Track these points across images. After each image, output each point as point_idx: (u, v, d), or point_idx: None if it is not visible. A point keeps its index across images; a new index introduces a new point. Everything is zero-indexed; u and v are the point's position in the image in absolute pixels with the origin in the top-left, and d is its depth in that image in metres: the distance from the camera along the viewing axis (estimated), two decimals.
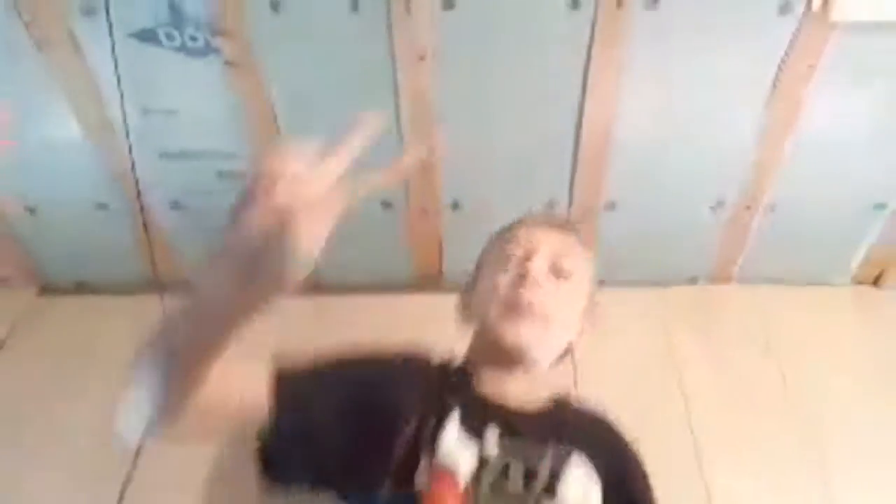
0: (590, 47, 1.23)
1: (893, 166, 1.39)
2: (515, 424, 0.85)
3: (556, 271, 0.93)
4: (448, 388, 0.89)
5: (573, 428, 0.90)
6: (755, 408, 1.36)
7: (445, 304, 1.59)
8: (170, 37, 1.24)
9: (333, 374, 0.88)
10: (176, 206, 1.53)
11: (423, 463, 0.78)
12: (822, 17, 1.16)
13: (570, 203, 1.48)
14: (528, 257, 0.92)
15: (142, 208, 1.46)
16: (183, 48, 1.25)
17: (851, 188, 1.44)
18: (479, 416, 0.84)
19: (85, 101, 1.35)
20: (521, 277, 0.90)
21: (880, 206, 1.46)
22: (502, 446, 0.82)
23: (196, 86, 1.32)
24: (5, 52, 1.28)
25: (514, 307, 0.88)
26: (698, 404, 1.37)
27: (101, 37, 1.22)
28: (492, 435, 0.82)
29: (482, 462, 0.80)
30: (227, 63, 1.27)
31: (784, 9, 1.17)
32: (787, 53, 1.22)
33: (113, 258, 1.64)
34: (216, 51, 1.26)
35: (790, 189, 1.44)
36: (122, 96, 1.30)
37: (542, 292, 0.89)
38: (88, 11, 1.22)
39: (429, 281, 1.66)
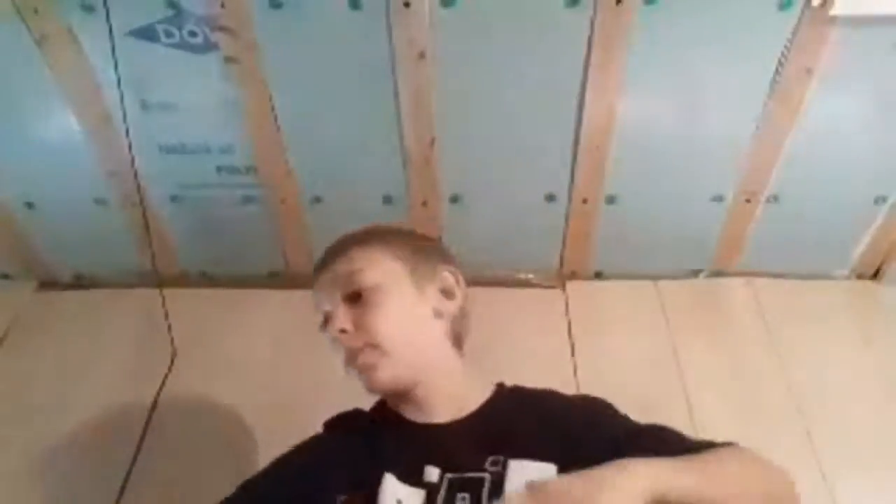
0: (589, 42, 1.22)
1: (893, 159, 1.39)
2: (451, 449, 0.83)
3: (351, 301, 0.88)
4: (380, 433, 0.89)
5: (510, 420, 0.87)
6: (756, 401, 1.37)
7: None
8: (169, 34, 1.24)
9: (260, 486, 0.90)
10: (175, 200, 1.53)
11: None
12: (821, 11, 1.16)
13: (571, 197, 1.48)
14: (325, 322, 0.90)
15: (141, 203, 1.46)
16: (182, 45, 1.25)
17: (852, 181, 1.44)
18: (414, 459, 0.82)
19: (84, 95, 1.34)
20: (334, 340, 0.88)
21: (881, 200, 1.46)
22: (445, 483, 0.80)
23: (195, 81, 1.31)
24: (5, 47, 1.28)
25: (347, 363, 0.88)
26: (699, 397, 1.37)
27: (101, 33, 1.22)
28: (433, 475, 0.81)
29: None
30: (227, 59, 1.27)
31: (784, 4, 1.16)
32: (787, 48, 1.22)
33: (112, 252, 1.64)
34: (216, 47, 1.25)
35: (790, 182, 1.44)
36: (121, 91, 1.29)
37: (349, 337, 0.86)
38: (88, 8, 1.21)
39: None
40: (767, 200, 1.47)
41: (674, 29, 1.21)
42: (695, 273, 1.64)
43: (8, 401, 1.44)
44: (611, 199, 1.49)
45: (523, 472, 0.77)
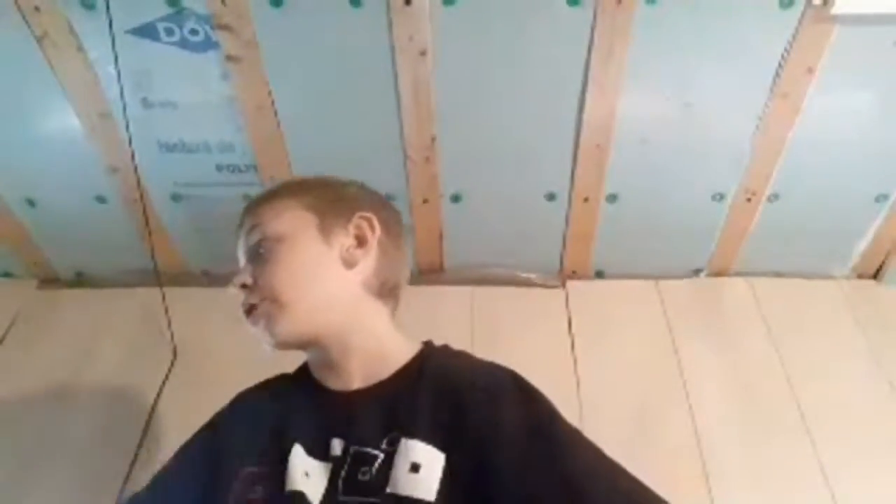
0: (590, 41, 1.22)
1: (894, 158, 1.39)
2: (356, 421, 0.81)
3: (254, 256, 0.87)
4: (293, 400, 0.88)
5: (415, 395, 0.82)
6: (756, 400, 1.37)
7: (445, 296, 1.60)
8: (169, 31, 1.24)
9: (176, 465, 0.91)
10: (176, 198, 1.53)
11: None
12: (823, 10, 1.16)
13: (571, 196, 1.48)
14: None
15: (142, 201, 1.46)
16: (183, 43, 1.25)
17: (852, 180, 1.43)
18: (321, 430, 0.82)
19: (85, 93, 1.34)
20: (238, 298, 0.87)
21: (882, 198, 1.46)
22: (349, 457, 0.79)
23: (196, 79, 1.31)
24: (6, 45, 1.28)
25: (247, 320, 0.86)
26: (700, 396, 1.37)
27: (101, 31, 1.22)
28: (337, 448, 0.80)
29: (333, 480, 0.78)
30: (228, 57, 1.27)
31: (785, 2, 1.16)
32: (788, 47, 1.22)
33: (113, 250, 1.65)
34: (217, 45, 1.25)
35: (791, 181, 1.44)
36: (121, 89, 1.29)
37: (249, 292, 0.85)
38: (88, 6, 1.21)
39: (429, 273, 1.66)
40: (768, 199, 1.47)
41: (674, 28, 1.21)
42: (695, 272, 1.64)
43: (8, 399, 1.44)
44: (611, 199, 1.49)
45: (410, 455, 0.76)
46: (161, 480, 0.91)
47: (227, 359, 1.48)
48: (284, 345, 0.86)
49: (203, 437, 0.93)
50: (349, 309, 0.88)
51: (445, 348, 0.93)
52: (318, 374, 0.90)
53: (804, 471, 1.26)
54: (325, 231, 0.88)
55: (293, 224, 0.87)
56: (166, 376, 1.47)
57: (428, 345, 0.92)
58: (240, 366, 1.45)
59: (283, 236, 0.86)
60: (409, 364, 0.87)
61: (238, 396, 0.97)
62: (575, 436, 0.79)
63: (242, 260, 0.90)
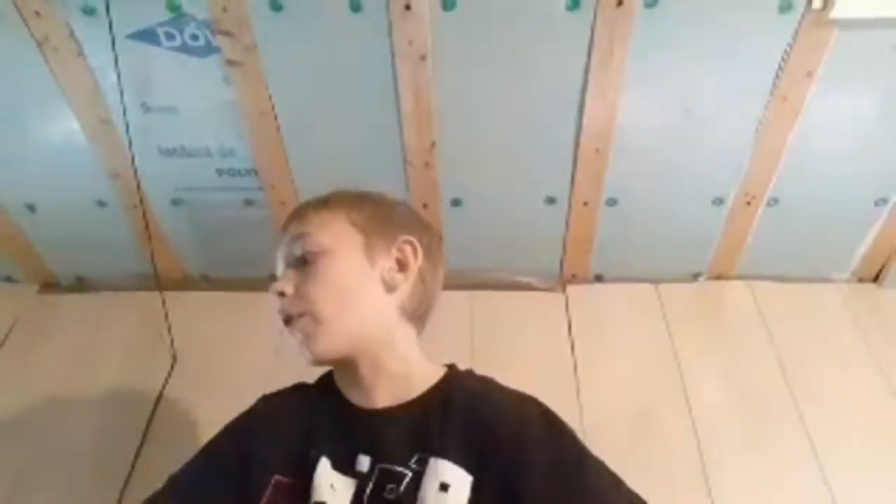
0: (590, 45, 1.23)
1: (894, 162, 1.39)
2: (384, 439, 0.82)
3: (298, 265, 0.86)
4: (320, 412, 0.88)
5: (444, 416, 0.83)
6: (756, 404, 1.36)
7: (445, 301, 1.60)
8: (170, 36, 1.24)
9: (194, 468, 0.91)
10: (176, 203, 1.53)
11: None
12: (821, 14, 1.16)
13: (571, 200, 1.48)
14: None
15: (142, 205, 1.46)
16: (183, 48, 1.25)
17: (852, 184, 1.43)
18: (349, 446, 0.82)
19: (85, 98, 1.35)
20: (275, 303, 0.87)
21: (881, 202, 1.46)
22: (375, 474, 0.79)
23: (197, 84, 1.32)
24: (6, 50, 1.28)
25: (285, 326, 0.86)
26: (700, 400, 1.37)
27: (102, 36, 1.22)
28: (364, 465, 0.80)
29: (358, 497, 0.78)
30: (229, 62, 1.27)
31: (784, 7, 1.17)
32: (787, 51, 1.22)
33: (113, 255, 1.65)
34: (217, 50, 1.26)
35: (791, 185, 1.44)
36: (122, 94, 1.30)
37: (288, 301, 0.85)
38: (89, 11, 1.22)
39: None
40: (768, 203, 1.47)
41: (674, 32, 1.21)
42: (695, 276, 1.64)
43: (10, 403, 1.44)
44: (611, 202, 1.49)
45: (439, 474, 0.77)
46: (187, 481, 0.90)
47: (227, 363, 1.48)
48: (321, 362, 0.86)
49: (234, 439, 0.92)
50: (383, 331, 0.88)
51: (470, 373, 0.93)
52: (344, 389, 0.90)
53: (804, 472, 1.26)
54: (370, 251, 0.87)
55: (340, 239, 0.87)
56: (166, 381, 1.46)
57: (452, 368, 0.92)
58: (239, 370, 1.46)
59: (329, 250, 0.85)
60: (437, 386, 0.88)
61: (264, 400, 0.96)
62: (601, 468, 0.80)
63: (281, 265, 0.89)
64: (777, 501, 1.23)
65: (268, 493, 0.80)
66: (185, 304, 1.59)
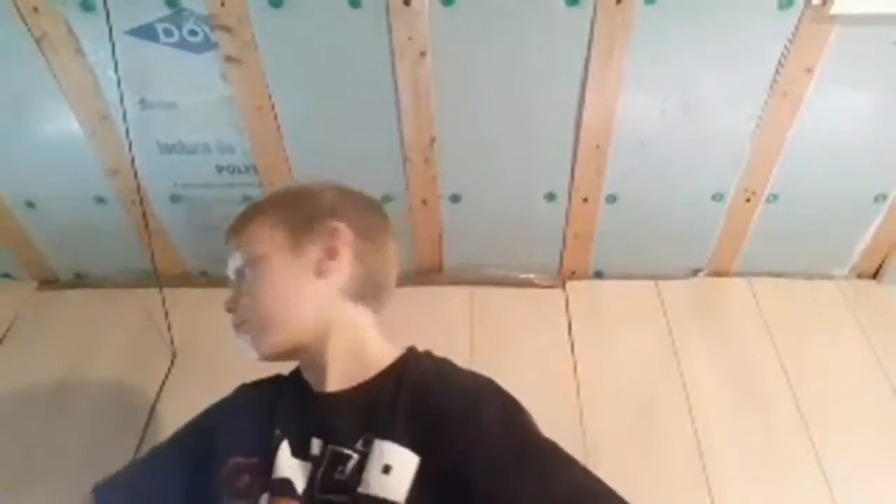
0: (590, 41, 1.22)
1: (893, 157, 1.39)
2: (334, 421, 0.84)
3: (238, 278, 0.91)
4: (282, 399, 0.91)
5: (394, 399, 0.83)
6: (756, 400, 1.37)
7: (445, 297, 1.60)
8: (168, 32, 1.24)
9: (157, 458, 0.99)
10: (175, 199, 1.53)
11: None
12: (821, 10, 1.16)
13: (571, 196, 1.48)
14: None
15: (141, 202, 1.46)
16: (182, 43, 1.25)
17: (852, 180, 1.44)
18: (304, 430, 0.84)
19: (84, 94, 1.34)
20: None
21: (881, 198, 1.46)
22: (327, 456, 0.81)
23: (195, 80, 1.31)
24: (4, 46, 1.28)
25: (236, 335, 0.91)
26: (700, 397, 1.37)
27: (100, 32, 1.22)
28: (316, 448, 0.82)
29: (311, 479, 0.80)
30: (227, 58, 1.27)
31: (784, 2, 1.16)
32: (787, 47, 1.22)
33: (112, 251, 1.65)
34: (216, 46, 1.25)
35: (790, 181, 1.44)
36: (121, 90, 1.29)
37: (234, 315, 0.90)
38: (88, 7, 1.21)
39: (429, 274, 1.66)
40: (767, 199, 1.47)
41: (674, 28, 1.21)
42: (695, 272, 1.64)
43: (8, 400, 1.44)
44: (611, 199, 1.49)
45: (384, 457, 0.77)
46: (149, 461, 0.98)
47: (227, 359, 1.46)
48: (268, 357, 0.89)
49: (199, 424, 0.99)
50: (326, 315, 0.89)
51: (428, 354, 0.93)
52: (305, 374, 0.92)
53: (803, 470, 1.26)
54: (296, 247, 0.89)
55: (263, 244, 0.89)
56: (165, 377, 1.47)
57: (411, 350, 0.92)
58: (239, 366, 1.44)
59: (256, 258, 0.88)
60: (390, 367, 0.88)
61: (239, 388, 1.00)
62: (550, 446, 0.80)
63: (231, 282, 0.93)
64: (775, 496, 1.23)
65: (223, 473, 0.84)
66: (185, 300, 1.59)
